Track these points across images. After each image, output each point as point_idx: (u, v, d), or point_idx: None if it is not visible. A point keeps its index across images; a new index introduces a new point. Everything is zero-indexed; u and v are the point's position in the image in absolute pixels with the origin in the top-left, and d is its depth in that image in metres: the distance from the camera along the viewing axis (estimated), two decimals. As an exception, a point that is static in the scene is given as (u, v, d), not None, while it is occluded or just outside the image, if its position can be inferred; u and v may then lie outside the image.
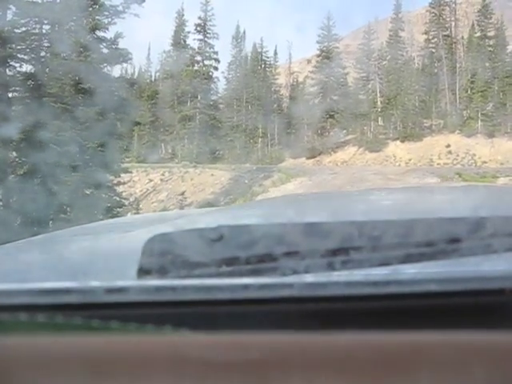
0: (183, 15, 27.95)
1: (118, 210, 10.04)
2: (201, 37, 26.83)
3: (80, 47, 9.50)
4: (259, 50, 28.93)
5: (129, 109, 10.38)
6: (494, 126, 23.12)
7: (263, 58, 28.91)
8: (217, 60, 27.17)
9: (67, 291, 0.35)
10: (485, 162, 21.64)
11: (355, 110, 25.25)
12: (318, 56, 28.01)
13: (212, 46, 26.97)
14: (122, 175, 10.85)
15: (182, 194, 16.95)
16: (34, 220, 7.03)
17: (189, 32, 27.43)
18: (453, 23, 28.10)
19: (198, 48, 26.99)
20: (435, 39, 27.11)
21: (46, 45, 9.38)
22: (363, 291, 0.34)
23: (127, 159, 14.46)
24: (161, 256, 0.39)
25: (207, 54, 26.90)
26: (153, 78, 29.50)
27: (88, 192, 9.02)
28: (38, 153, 7.58)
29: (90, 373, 0.30)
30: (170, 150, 24.91)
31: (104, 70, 10.51)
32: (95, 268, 0.51)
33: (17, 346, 0.31)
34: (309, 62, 33.04)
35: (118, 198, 10.36)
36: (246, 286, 0.35)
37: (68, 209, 8.38)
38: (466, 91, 25.19)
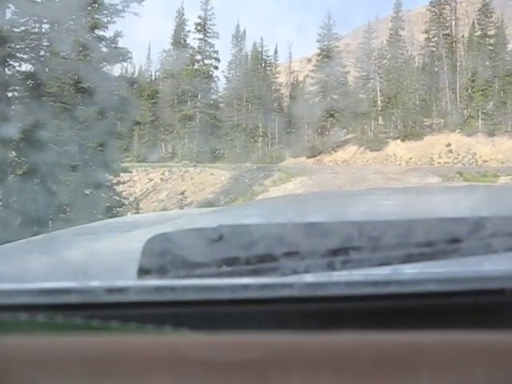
0: (183, 14, 27.95)
1: (118, 209, 10.04)
2: (201, 36, 26.83)
3: (79, 46, 9.49)
4: (259, 49, 28.93)
5: (129, 108, 10.37)
6: (494, 124, 23.10)
7: (263, 57, 28.89)
8: (217, 59, 27.17)
9: (67, 291, 0.35)
10: (485, 161, 21.63)
11: (355, 109, 25.23)
12: (319, 55, 27.98)
13: (212, 45, 26.97)
14: (122, 175, 10.84)
15: (182, 193, 16.94)
16: (33, 220, 7.03)
17: (189, 31, 27.43)
18: (453, 22, 28.06)
19: (198, 47, 26.99)
20: (435, 38, 27.07)
21: (45, 44, 9.37)
22: (363, 291, 0.34)
23: (127, 158, 14.46)
24: (161, 256, 0.39)
25: (207, 53, 26.89)
26: (153, 78, 29.50)
27: (88, 192, 9.01)
28: (38, 152, 7.58)
29: (90, 373, 0.30)
30: (170, 150, 24.91)
31: (104, 69, 10.50)
32: (95, 268, 0.51)
33: (17, 346, 0.31)
34: (309, 60, 33.01)
35: (117, 198, 10.35)
36: (246, 286, 0.35)
37: (68, 209, 8.38)
38: (467, 90, 25.17)
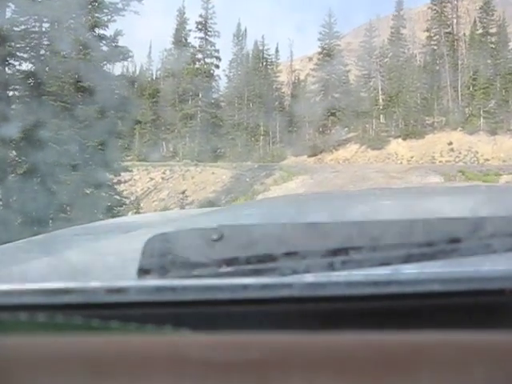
0: (184, 13, 27.92)
1: (119, 208, 10.04)
2: (202, 35, 26.81)
3: (79, 45, 9.49)
4: (260, 47, 28.88)
5: (129, 107, 10.37)
6: (496, 123, 23.02)
7: (264, 55, 28.84)
8: (218, 58, 27.15)
9: (67, 291, 0.35)
10: (487, 160, 21.57)
11: (357, 107, 25.19)
12: (320, 54, 27.93)
13: (213, 44, 26.95)
14: (123, 174, 10.85)
15: (183, 192, 16.95)
16: (34, 219, 7.03)
17: (190, 30, 27.42)
18: (454, 20, 27.96)
19: (199, 46, 26.97)
20: (437, 36, 26.99)
21: (45, 43, 9.37)
22: (363, 291, 0.34)
23: (128, 158, 14.46)
24: (161, 256, 0.39)
25: (208, 52, 26.87)
26: (154, 77, 29.51)
27: (88, 191, 9.02)
28: (38, 152, 7.58)
29: (90, 373, 0.30)
30: (171, 149, 24.93)
31: (104, 68, 10.51)
32: (95, 268, 0.51)
33: (17, 346, 0.31)
34: (310, 59, 32.96)
35: (118, 197, 10.36)
36: (246, 286, 0.35)
37: (68, 208, 8.38)
38: (468, 88, 25.09)
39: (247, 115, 26.99)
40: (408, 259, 0.35)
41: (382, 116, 25.60)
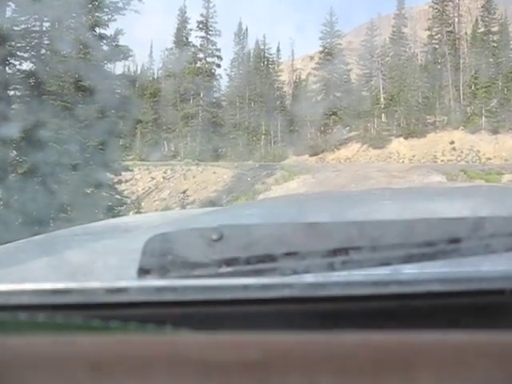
0: (185, 12, 27.92)
1: (120, 208, 10.04)
2: (203, 34, 26.81)
3: (80, 44, 9.49)
4: (262, 46, 28.86)
5: (130, 107, 10.37)
6: (498, 122, 22.95)
7: (266, 54, 28.82)
8: (219, 57, 27.15)
9: (67, 291, 0.35)
10: (489, 159, 21.51)
11: (358, 106, 25.16)
12: (321, 53, 27.89)
13: (214, 44, 26.94)
14: (124, 173, 10.86)
15: (185, 192, 16.96)
16: (34, 219, 7.03)
17: (191, 29, 27.42)
18: (456, 19, 27.87)
19: (201, 45, 26.97)
20: (438, 35, 26.91)
21: (45, 42, 9.37)
22: (363, 291, 0.34)
23: (129, 157, 14.47)
24: (161, 256, 0.39)
25: (209, 52, 26.87)
26: (155, 76, 29.52)
27: (88, 191, 9.02)
28: (38, 152, 7.59)
29: (90, 373, 0.30)
30: (172, 148, 24.95)
31: (105, 67, 10.50)
32: (95, 268, 0.51)
33: (17, 346, 0.31)
34: (311, 58, 32.91)
35: (119, 197, 10.36)
36: (246, 286, 0.35)
37: (68, 208, 8.39)
38: (470, 87, 25.02)
39: (248, 114, 26.98)
40: (408, 259, 0.35)
41: (383, 115, 25.55)
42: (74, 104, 8.80)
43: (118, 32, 10.20)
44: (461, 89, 25.33)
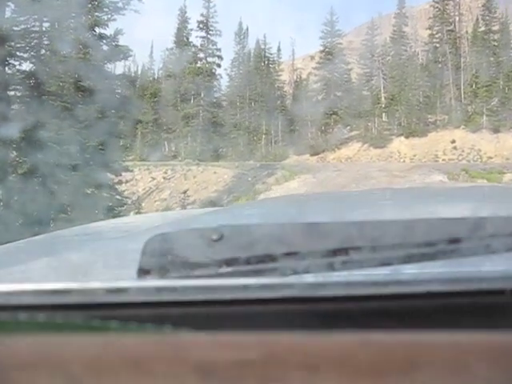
0: (186, 12, 27.92)
1: (120, 209, 10.03)
2: (203, 34, 26.81)
3: (80, 44, 9.49)
4: (262, 46, 28.85)
5: (130, 107, 10.37)
6: (499, 121, 22.91)
7: (266, 54, 28.81)
8: (220, 57, 27.14)
9: (67, 291, 0.35)
10: (490, 158, 21.48)
11: (359, 106, 25.14)
12: (322, 52, 27.87)
13: (215, 43, 26.94)
14: (125, 174, 10.86)
15: (185, 192, 16.96)
16: (34, 220, 7.03)
17: (191, 29, 27.43)
18: (457, 18, 27.82)
19: (201, 45, 26.97)
20: (439, 34, 26.87)
21: (45, 42, 9.36)
22: (363, 291, 0.34)
23: (130, 157, 14.48)
24: (161, 256, 0.39)
25: (210, 51, 26.87)
26: (156, 76, 29.54)
27: (89, 191, 9.02)
28: (38, 152, 7.59)
29: (90, 373, 0.30)
30: (173, 148, 24.96)
31: (105, 67, 10.50)
32: (95, 268, 0.51)
33: (17, 346, 0.31)
34: (312, 58, 32.89)
35: (119, 197, 10.36)
36: (246, 287, 0.35)
37: (69, 208, 8.39)
38: (471, 86, 24.97)
39: (249, 114, 26.97)
40: (408, 259, 0.35)
41: (384, 114, 25.52)
42: (74, 104, 8.80)
43: (118, 32, 10.20)
44: (462, 88, 25.29)
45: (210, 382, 0.29)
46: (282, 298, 0.34)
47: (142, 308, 0.35)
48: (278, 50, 29.71)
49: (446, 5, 27.42)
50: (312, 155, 24.45)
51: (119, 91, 10.44)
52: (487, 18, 26.59)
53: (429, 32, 27.65)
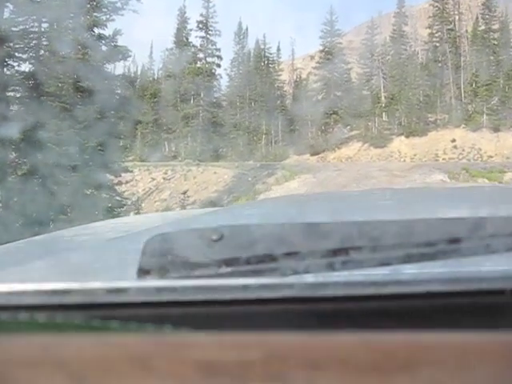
0: (185, 13, 27.93)
1: (120, 210, 10.02)
2: (203, 34, 26.81)
3: (78, 45, 9.48)
4: (262, 46, 28.84)
5: (130, 107, 10.36)
6: (499, 120, 22.91)
7: (266, 54, 28.80)
8: (219, 57, 27.14)
9: (67, 291, 0.35)
10: (491, 157, 21.47)
11: (359, 105, 25.13)
12: (321, 52, 27.86)
13: (214, 43, 26.94)
14: (125, 174, 10.85)
15: (185, 192, 16.95)
16: (34, 221, 7.03)
17: (191, 29, 27.43)
18: (456, 17, 27.81)
19: (201, 45, 26.97)
20: (439, 33, 26.86)
21: (44, 43, 9.36)
22: (363, 291, 0.34)
23: (130, 158, 14.48)
24: (161, 256, 0.39)
25: (209, 51, 26.87)
26: (155, 77, 29.54)
27: (88, 192, 9.01)
28: (38, 153, 7.59)
29: (90, 373, 0.30)
30: (173, 149, 24.96)
31: (105, 68, 10.49)
32: (95, 268, 0.51)
33: (17, 345, 0.31)
34: (312, 58, 32.88)
35: (119, 198, 10.34)
36: (246, 287, 0.35)
37: (68, 209, 8.38)
38: (471, 85, 24.96)
39: (249, 114, 26.97)
40: (408, 259, 0.35)
41: (384, 114, 25.52)
42: (73, 105, 8.80)
43: (117, 32, 10.21)
44: (462, 87, 25.28)
45: (210, 383, 0.29)
46: (282, 298, 0.34)
47: (142, 308, 0.35)
48: (278, 49, 29.75)
49: (446, 4, 27.40)
50: (312, 155, 24.44)
51: (119, 92, 10.45)
52: (487, 16, 26.57)
53: (428, 31, 27.63)
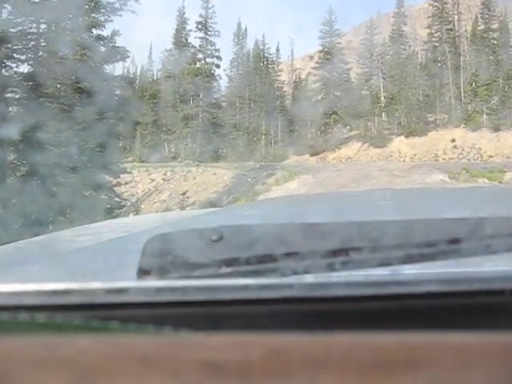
0: (184, 13, 27.94)
1: (119, 211, 10.00)
2: (202, 35, 26.83)
3: (77, 46, 9.48)
4: (261, 46, 28.87)
5: (129, 108, 10.36)
6: (499, 119, 22.92)
7: (265, 54, 28.82)
8: (219, 57, 27.16)
9: (67, 291, 0.35)
10: (491, 157, 21.48)
11: (358, 105, 25.15)
12: (321, 52, 27.88)
13: (213, 44, 26.96)
14: (124, 175, 10.84)
15: (184, 193, 16.94)
16: (33, 222, 7.01)
17: (190, 30, 27.44)
18: (456, 17, 27.83)
19: (200, 46, 26.98)
20: (438, 33, 26.88)
21: (42, 44, 9.35)
22: (363, 292, 0.34)
23: (129, 159, 14.47)
24: (161, 256, 0.39)
25: (209, 52, 26.89)
26: (155, 77, 29.54)
27: (87, 193, 8.99)
28: (37, 154, 7.58)
29: (90, 373, 0.30)
30: (172, 150, 24.96)
31: (103, 69, 10.49)
32: (95, 268, 0.51)
33: (17, 346, 0.31)
34: (311, 58, 32.92)
35: (118, 199, 10.33)
36: (246, 287, 0.35)
37: (67, 211, 8.37)
38: (471, 85, 24.98)
39: (248, 115, 26.98)
40: (408, 260, 0.35)
41: (383, 114, 25.53)
42: (72, 106, 8.80)
43: (115, 33, 10.21)
44: (461, 87, 25.29)
45: (210, 383, 0.29)
46: (282, 299, 0.34)
47: (142, 308, 0.35)
48: (277, 50, 29.79)
49: (445, 3, 27.42)
50: (312, 155, 24.44)
51: (118, 92, 10.45)
52: (486, 16, 26.60)
53: (428, 31, 27.65)
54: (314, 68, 28.37)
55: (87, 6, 10.01)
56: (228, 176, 18.73)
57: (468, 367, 0.27)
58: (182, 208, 15.45)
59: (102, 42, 10.16)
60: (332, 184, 16.18)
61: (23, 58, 9.00)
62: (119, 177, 10.44)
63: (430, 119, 24.64)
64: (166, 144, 25.04)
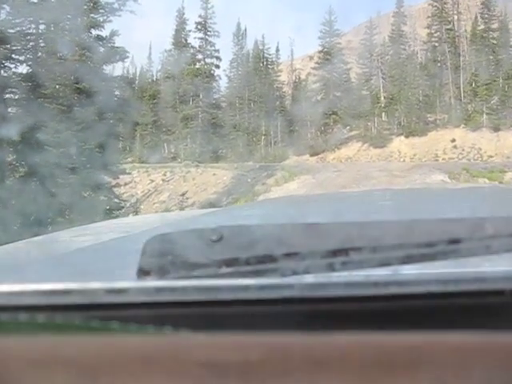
0: (184, 14, 27.94)
1: (118, 212, 9.98)
2: (202, 35, 26.83)
3: (76, 46, 9.48)
4: (261, 47, 28.87)
5: (128, 109, 10.36)
6: (499, 119, 22.93)
7: (265, 55, 28.82)
8: (218, 58, 27.16)
9: (67, 292, 0.35)
10: (491, 157, 21.48)
11: (358, 106, 25.15)
12: (320, 52, 27.89)
13: (213, 44, 26.96)
14: (123, 176, 10.83)
15: (184, 194, 16.93)
16: (32, 223, 7.00)
17: (190, 30, 27.43)
18: (455, 17, 27.85)
19: (199, 46, 26.99)
20: (438, 33, 26.89)
21: (41, 45, 9.35)
22: (363, 292, 0.34)
23: (129, 160, 14.46)
24: (161, 257, 0.39)
25: (208, 53, 26.89)
26: (154, 78, 29.54)
27: (86, 194, 8.98)
28: (36, 155, 7.57)
29: (90, 374, 0.30)
30: (172, 150, 24.96)
31: (103, 69, 10.48)
32: (95, 268, 0.51)
33: (17, 346, 0.31)
34: (311, 58, 32.92)
35: (117, 200, 10.31)
36: (246, 287, 0.35)
37: (66, 212, 8.35)
38: (471, 85, 24.99)
39: (248, 115, 26.99)
40: (408, 260, 0.35)
41: (383, 114, 25.54)
42: (71, 106, 8.80)
43: (114, 33, 10.21)
44: (461, 87, 25.30)
45: (209, 383, 0.29)
46: (282, 299, 0.34)
47: (141, 308, 0.35)
48: (277, 50, 29.77)
49: (445, 3, 27.43)
50: (312, 155, 24.44)
51: (117, 93, 10.46)
52: (486, 16, 26.61)
53: (427, 31, 27.66)
54: (314, 68, 28.37)
55: (86, 7, 10.02)
56: (228, 176, 18.72)
57: (468, 367, 0.27)
58: (182, 209, 15.44)
59: (101, 43, 10.16)
60: (332, 184, 16.17)
61: (22, 58, 9.01)
62: (118, 177, 10.44)
63: (429, 119, 24.65)
64: (165, 144, 25.04)
